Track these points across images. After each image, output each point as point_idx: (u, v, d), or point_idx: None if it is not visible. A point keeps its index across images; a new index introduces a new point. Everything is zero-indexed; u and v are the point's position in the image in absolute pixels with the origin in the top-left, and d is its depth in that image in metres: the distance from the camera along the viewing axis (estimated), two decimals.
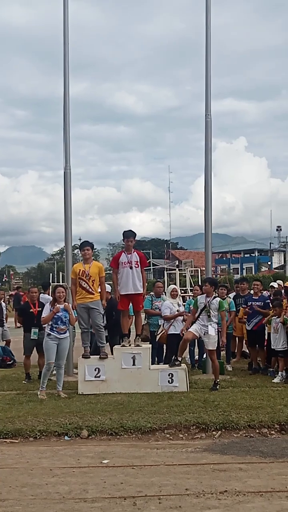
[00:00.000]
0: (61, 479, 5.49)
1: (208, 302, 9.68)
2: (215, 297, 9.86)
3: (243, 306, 12.14)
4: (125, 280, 9.67)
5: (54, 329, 9.34)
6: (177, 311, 11.00)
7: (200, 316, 9.71)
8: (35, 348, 10.87)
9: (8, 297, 15.35)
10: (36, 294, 11.50)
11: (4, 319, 14.37)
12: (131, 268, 9.67)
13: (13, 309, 15.09)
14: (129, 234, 9.77)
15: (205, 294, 9.89)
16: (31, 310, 10.90)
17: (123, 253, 9.87)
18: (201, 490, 5.11)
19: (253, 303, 11.60)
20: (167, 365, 9.86)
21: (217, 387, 9.51)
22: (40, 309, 10.77)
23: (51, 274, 40.71)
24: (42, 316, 9.73)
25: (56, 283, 37.06)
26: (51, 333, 9.33)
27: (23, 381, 10.81)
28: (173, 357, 10.18)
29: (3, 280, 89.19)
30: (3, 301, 14.62)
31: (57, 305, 9.39)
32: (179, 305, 11.30)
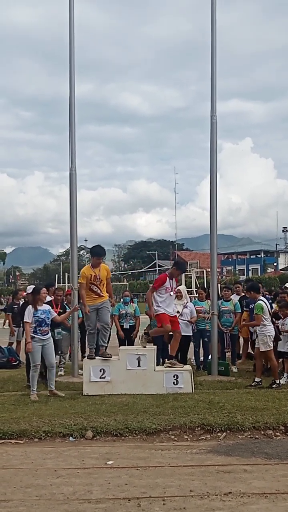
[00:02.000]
0: (66, 480, 5.49)
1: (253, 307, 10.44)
2: (257, 301, 10.22)
3: (245, 309, 12.12)
4: (169, 303, 9.86)
5: (38, 331, 9.39)
6: (177, 312, 10.98)
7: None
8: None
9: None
10: (60, 296, 11.85)
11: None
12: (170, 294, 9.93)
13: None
14: None
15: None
16: (54, 311, 10.88)
17: (167, 277, 9.97)
18: (206, 492, 5.10)
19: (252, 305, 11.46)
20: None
21: (274, 386, 9.78)
22: (62, 310, 11.15)
23: (56, 275, 40.78)
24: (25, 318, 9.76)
25: (63, 284, 37.13)
26: (35, 335, 9.37)
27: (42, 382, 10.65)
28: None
29: (10, 281, 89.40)
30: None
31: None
32: (185, 307, 11.27)
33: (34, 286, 10.50)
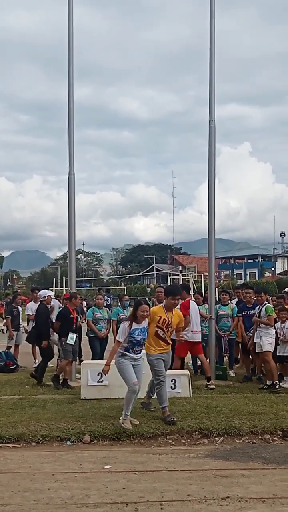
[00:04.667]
0: (63, 484, 5.49)
1: (259, 310, 10.52)
2: (265, 304, 10.50)
3: (237, 315, 11.98)
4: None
5: (131, 351, 7.77)
6: None
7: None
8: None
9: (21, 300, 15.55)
10: (79, 301, 11.90)
11: (20, 323, 14.54)
12: None
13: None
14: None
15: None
16: (71, 316, 10.88)
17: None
18: (203, 496, 5.10)
19: (248, 312, 11.41)
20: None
21: (277, 387, 9.91)
22: (77, 315, 11.03)
23: (54, 279, 40.71)
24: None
25: (60, 288, 37.10)
26: (127, 353, 7.75)
27: (56, 386, 10.55)
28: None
29: (7, 284, 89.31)
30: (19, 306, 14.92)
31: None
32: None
33: (138, 300, 8.37)
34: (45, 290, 12.77)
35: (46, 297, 11.99)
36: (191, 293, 10.27)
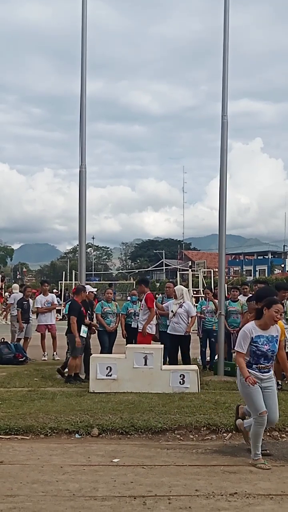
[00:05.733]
0: (72, 477, 5.52)
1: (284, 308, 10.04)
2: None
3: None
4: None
5: (255, 367, 6.13)
6: (171, 311, 10.99)
7: None
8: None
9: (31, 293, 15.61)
10: (91, 294, 11.94)
11: (30, 316, 14.60)
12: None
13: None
14: None
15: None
16: (82, 309, 10.88)
17: None
18: (211, 492, 5.11)
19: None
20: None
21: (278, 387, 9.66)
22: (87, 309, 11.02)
23: (63, 272, 40.77)
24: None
25: (70, 282, 37.18)
26: (250, 370, 6.10)
27: (69, 382, 10.46)
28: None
29: (17, 277, 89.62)
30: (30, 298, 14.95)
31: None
32: (180, 306, 11.04)
33: (270, 298, 6.29)
34: (88, 286, 12.41)
35: (88, 293, 11.63)
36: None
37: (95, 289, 12.29)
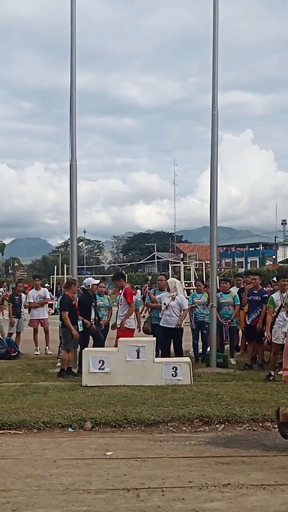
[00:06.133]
0: (65, 471, 5.52)
1: (285, 299, 10.04)
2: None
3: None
4: None
5: None
6: (164, 304, 11.01)
7: (279, 314, 9.97)
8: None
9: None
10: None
11: (22, 311, 14.58)
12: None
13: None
14: None
15: (279, 291, 10.16)
16: (74, 303, 10.87)
17: None
18: (204, 483, 5.13)
19: (253, 297, 11.52)
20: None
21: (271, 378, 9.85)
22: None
23: (55, 267, 40.69)
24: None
25: (62, 276, 37.11)
26: None
27: (62, 376, 10.47)
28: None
29: (8, 272, 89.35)
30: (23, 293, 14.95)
31: None
32: (172, 299, 11.02)
33: None
34: (91, 278, 12.22)
35: (91, 286, 11.60)
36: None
37: (98, 281, 12.11)
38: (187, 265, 38.97)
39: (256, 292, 11.48)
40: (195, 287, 12.80)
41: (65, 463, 5.76)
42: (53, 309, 26.20)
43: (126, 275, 12.44)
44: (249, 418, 7.20)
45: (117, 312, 11.40)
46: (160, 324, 11.11)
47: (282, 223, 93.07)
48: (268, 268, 60.21)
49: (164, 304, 10.98)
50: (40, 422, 7.08)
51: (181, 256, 46.94)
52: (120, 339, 10.06)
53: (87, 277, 13.41)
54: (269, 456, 6.02)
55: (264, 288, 12.37)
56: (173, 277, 22.72)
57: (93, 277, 13.15)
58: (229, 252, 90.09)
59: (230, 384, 9.43)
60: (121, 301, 11.19)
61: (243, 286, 13.32)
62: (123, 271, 72.16)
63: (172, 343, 11.11)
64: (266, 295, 11.22)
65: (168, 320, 10.90)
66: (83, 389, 9.05)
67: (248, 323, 11.52)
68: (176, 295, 11.00)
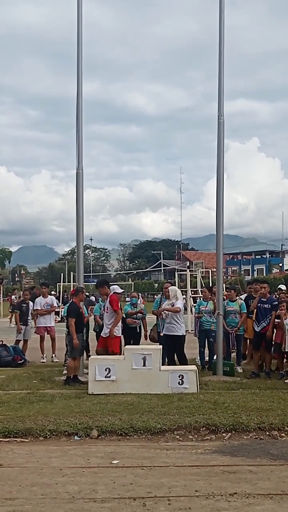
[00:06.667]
0: (71, 479, 5.50)
1: None
2: None
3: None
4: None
5: None
6: (164, 312, 10.99)
7: None
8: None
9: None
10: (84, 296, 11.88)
11: (29, 318, 14.59)
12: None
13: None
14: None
15: None
16: (80, 311, 10.86)
17: None
18: (211, 492, 5.10)
19: (263, 305, 11.50)
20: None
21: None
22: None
23: (62, 274, 40.72)
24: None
25: (68, 284, 37.13)
26: None
27: (68, 384, 10.41)
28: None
29: (15, 279, 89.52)
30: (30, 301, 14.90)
31: None
32: (172, 306, 10.97)
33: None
34: (116, 286, 12.12)
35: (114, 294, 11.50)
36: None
37: (122, 290, 11.86)
38: (194, 273, 38.95)
39: (265, 300, 11.48)
40: (201, 295, 12.75)
41: (71, 471, 5.75)
42: (60, 316, 26.19)
43: (109, 282, 12.33)
44: (256, 427, 7.16)
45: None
46: (163, 332, 11.08)
47: None
48: (274, 276, 60.06)
49: (164, 312, 11.00)
50: (46, 430, 7.06)
51: (188, 264, 46.89)
52: (127, 347, 10.04)
53: (112, 285, 13.08)
54: (276, 465, 5.98)
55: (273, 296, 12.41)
56: (180, 285, 22.71)
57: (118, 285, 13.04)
58: (235, 260, 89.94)
59: (236, 393, 9.39)
60: (107, 309, 10.88)
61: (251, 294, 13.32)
62: (130, 279, 72.12)
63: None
64: (276, 302, 11.25)
65: (169, 328, 10.90)
66: (89, 397, 9.03)
67: (257, 330, 11.50)
68: (175, 301, 10.98)
